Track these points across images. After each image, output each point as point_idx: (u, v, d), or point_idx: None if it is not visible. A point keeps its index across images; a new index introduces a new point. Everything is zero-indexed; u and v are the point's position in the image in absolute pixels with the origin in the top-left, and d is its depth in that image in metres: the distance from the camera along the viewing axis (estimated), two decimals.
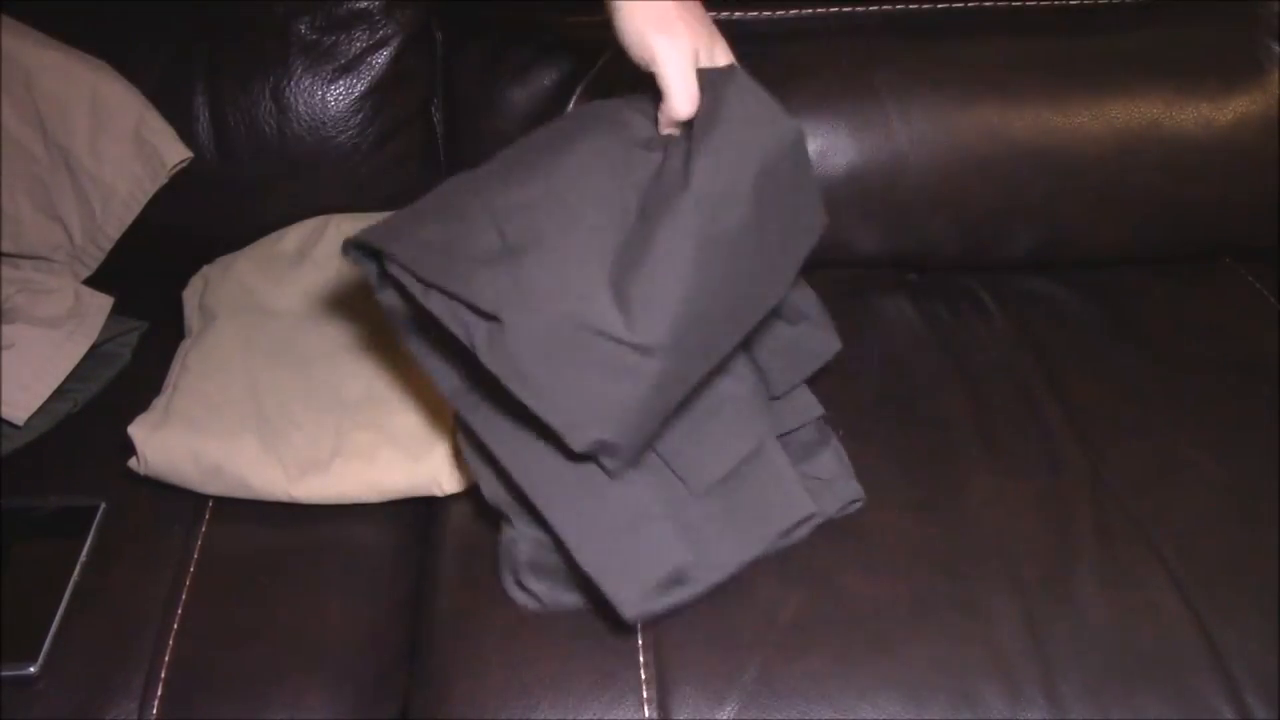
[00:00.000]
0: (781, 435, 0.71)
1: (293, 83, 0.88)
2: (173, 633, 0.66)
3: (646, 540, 0.63)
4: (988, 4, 0.92)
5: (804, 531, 0.68)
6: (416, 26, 0.91)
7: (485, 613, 0.66)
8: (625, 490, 0.63)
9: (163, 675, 0.64)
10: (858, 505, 0.70)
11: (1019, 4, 0.92)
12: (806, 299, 0.76)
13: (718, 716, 0.62)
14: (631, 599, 0.61)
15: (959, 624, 0.65)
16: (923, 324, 0.86)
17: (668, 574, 0.62)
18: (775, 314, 0.72)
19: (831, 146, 0.89)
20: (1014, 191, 0.90)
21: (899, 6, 0.92)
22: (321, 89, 0.88)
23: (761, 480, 0.68)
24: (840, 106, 0.89)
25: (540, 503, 0.63)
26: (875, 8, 0.92)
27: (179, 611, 0.67)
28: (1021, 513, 0.71)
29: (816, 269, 0.90)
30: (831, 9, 0.92)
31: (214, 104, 0.87)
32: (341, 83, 0.89)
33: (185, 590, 0.68)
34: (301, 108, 0.88)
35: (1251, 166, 0.91)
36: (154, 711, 0.63)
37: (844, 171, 0.89)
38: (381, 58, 0.89)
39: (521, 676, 0.63)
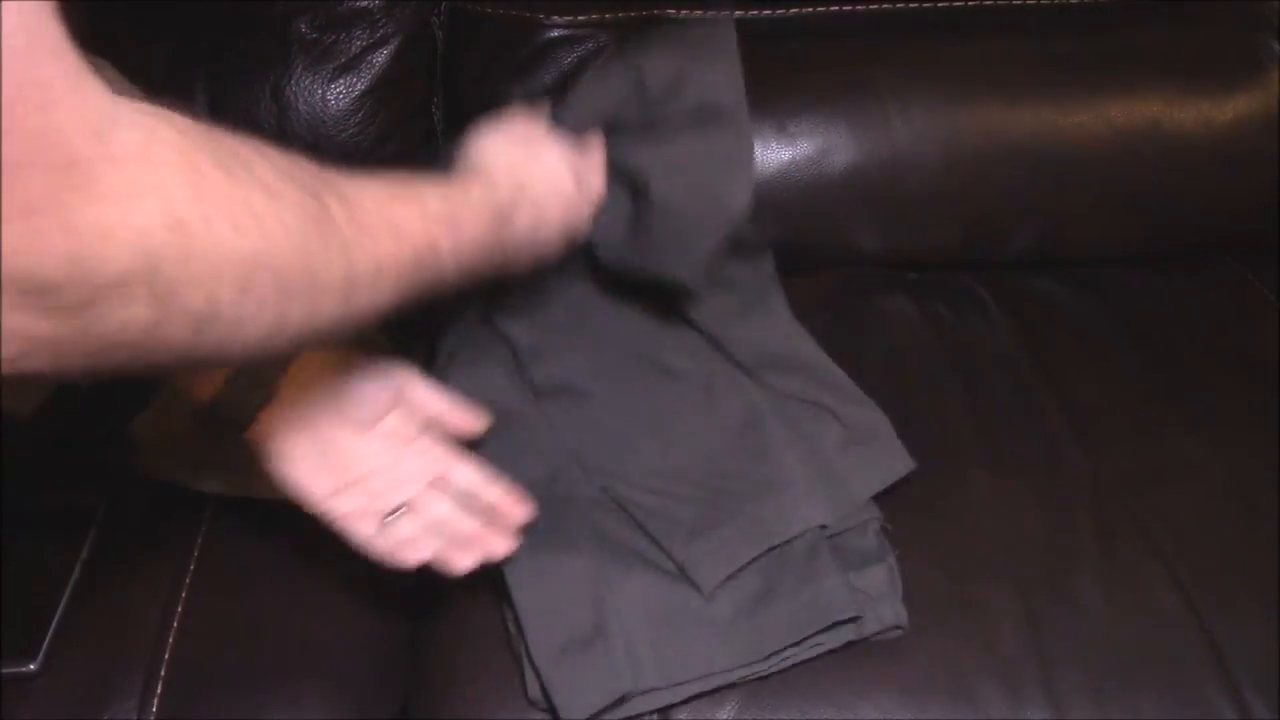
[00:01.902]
0: (832, 536, 0.67)
1: (293, 81, 0.87)
2: (173, 632, 0.66)
3: (596, 659, 0.61)
4: (987, 3, 0.92)
5: (828, 643, 0.63)
6: (416, 26, 0.90)
7: (485, 613, 0.66)
8: (602, 594, 0.63)
9: (163, 675, 0.64)
10: (898, 633, 0.64)
11: (1019, 3, 0.92)
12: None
13: (718, 716, 0.62)
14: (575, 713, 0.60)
15: (959, 624, 0.65)
16: (923, 323, 0.86)
17: (614, 698, 0.60)
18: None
19: (831, 146, 0.88)
20: (1014, 191, 0.90)
21: (899, 5, 0.92)
22: (321, 88, 0.88)
23: (797, 577, 0.64)
24: (840, 106, 0.89)
25: (511, 580, 0.63)
26: (875, 6, 0.92)
27: (179, 611, 0.67)
28: (1021, 513, 0.71)
29: (817, 269, 0.91)
30: (831, 8, 0.92)
31: (214, 103, 0.87)
32: (341, 81, 0.89)
33: (185, 590, 0.68)
34: (302, 106, 0.88)
35: (1252, 165, 0.91)
36: (154, 711, 0.63)
37: (844, 171, 0.89)
38: (381, 57, 0.89)
39: (521, 677, 0.63)
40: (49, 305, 0.32)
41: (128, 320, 0.34)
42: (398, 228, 0.49)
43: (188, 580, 0.69)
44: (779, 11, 0.91)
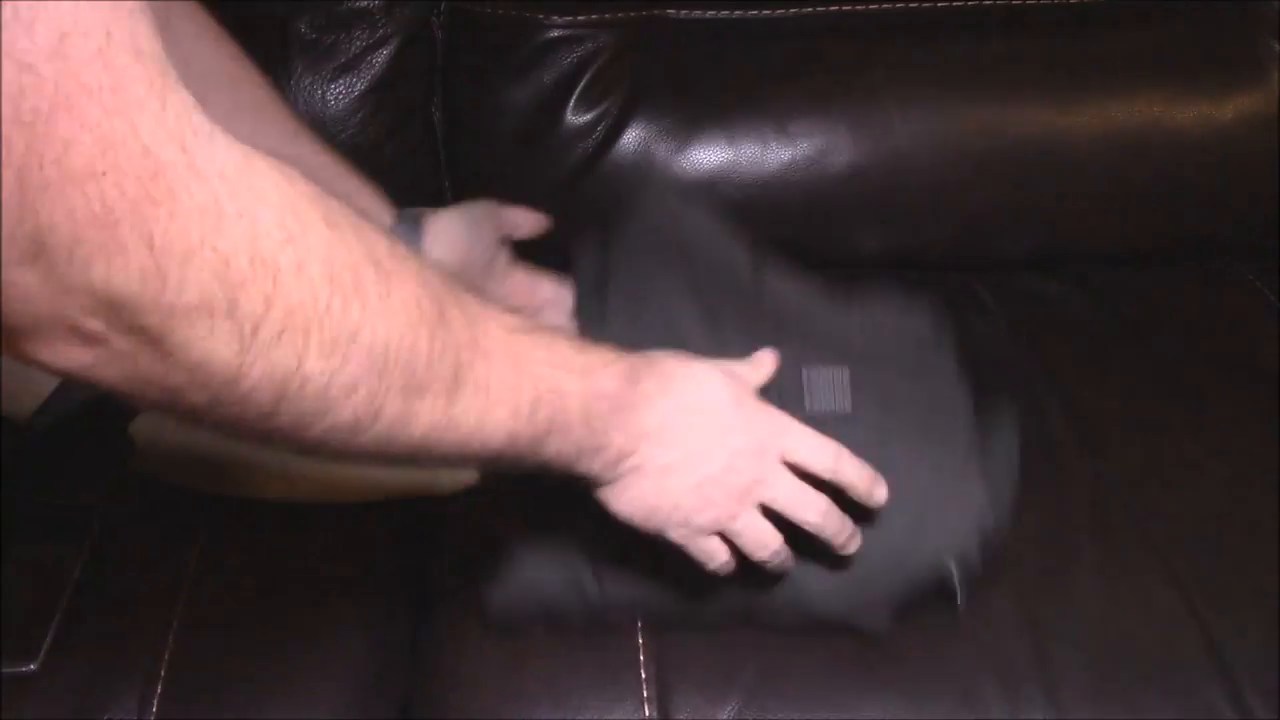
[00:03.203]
0: None
1: (292, 82, 0.88)
2: (173, 632, 0.66)
3: None
4: (987, 3, 0.92)
5: None
6: (416, 26, 0.90)
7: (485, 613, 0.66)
8: None
9: (163, 675, 0.64)
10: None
11: (1019, 3, 0.92)
12: None
13: (718, 716, 0.62)
14: None
15: (959, 623, 0.65)
16: None
17: None
18: None
19: (831, 146, 0.88)
20: (1014, 191, 0.90)
21: (898, 5, 0.92)
22: (321, 88, 0.88)
23: None
24: (840, 106, 0.89)
25: None
26: (875, 6, 0.92)
27: (179, 611, 0.67)
28: (1021, 512, 0.71)
29: (817, 269, 0.91)
30: (831, 8, 0.92)
31: None
32: (341, 82, 0.89)
33: (185, 590, 0.68)
34: (301, 106, 0.88)
35: (1252, 165, 0.91)
36: (154, 711, 0.63)
37: (844, 171, 0.89)
38: (381, 57, 0.89)
39: (521, 677, 0.63)
40: (127, 323, 0.30)
41: (209, 354, 0.31)
42: (519, 358, 0.44)
43: (187, 580, 0.69)
44: (779, 11, 0.91)
